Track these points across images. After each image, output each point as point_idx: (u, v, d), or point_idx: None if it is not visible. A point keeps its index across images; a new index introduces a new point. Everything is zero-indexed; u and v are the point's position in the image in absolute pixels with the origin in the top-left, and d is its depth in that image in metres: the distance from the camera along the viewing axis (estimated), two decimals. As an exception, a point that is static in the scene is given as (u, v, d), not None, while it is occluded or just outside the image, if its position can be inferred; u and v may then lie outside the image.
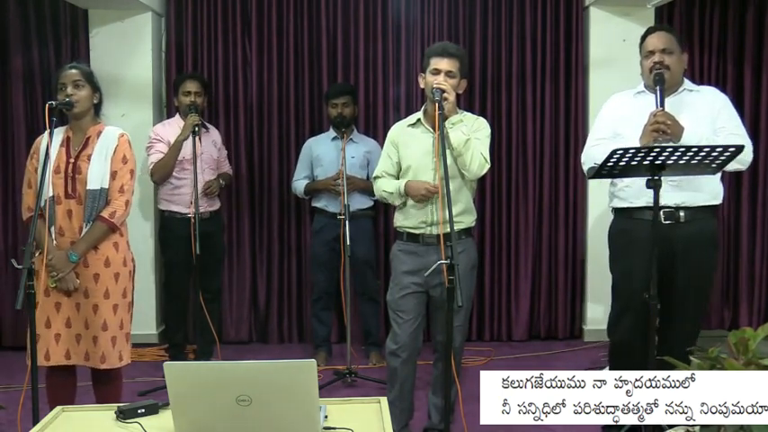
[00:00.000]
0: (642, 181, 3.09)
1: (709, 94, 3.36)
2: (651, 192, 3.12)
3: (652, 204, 3.15)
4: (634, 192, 3.24)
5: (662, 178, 3.05)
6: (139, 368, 4.51)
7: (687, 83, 3.35)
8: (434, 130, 3.14)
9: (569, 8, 5.32)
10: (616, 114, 3.37)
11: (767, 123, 5.31)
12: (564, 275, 5.43)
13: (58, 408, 2.27)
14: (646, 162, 2.76)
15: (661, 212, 3.15)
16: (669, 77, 3.20)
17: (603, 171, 2.86)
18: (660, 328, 3.29)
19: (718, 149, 2.73)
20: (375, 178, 3.48)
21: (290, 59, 5.30)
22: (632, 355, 3.32)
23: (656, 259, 2.98)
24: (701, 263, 3.23)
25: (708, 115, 3.22)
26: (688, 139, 3.06)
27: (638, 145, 3.12)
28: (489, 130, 3.36)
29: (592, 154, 3.34)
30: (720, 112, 3.25)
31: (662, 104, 3.10)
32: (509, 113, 5.36)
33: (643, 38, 3.34)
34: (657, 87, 3.13)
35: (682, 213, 3.18)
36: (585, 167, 3.41)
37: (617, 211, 3.41)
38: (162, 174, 4.46)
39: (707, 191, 3.20)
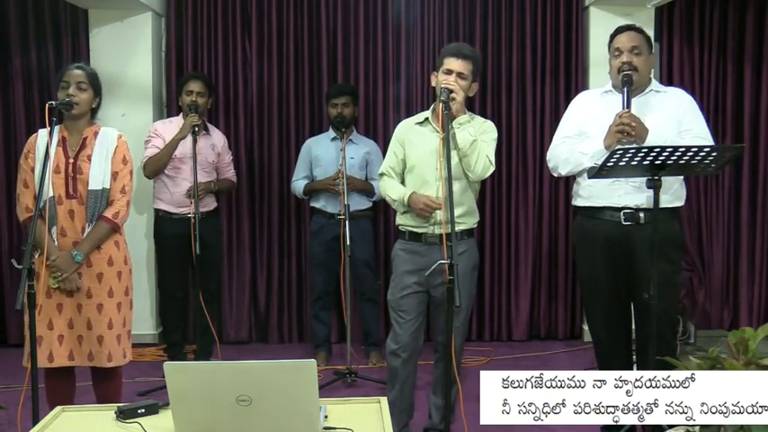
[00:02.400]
0: (605, 181, 3.12)
1: (675, 95, 3.35)
2: (611, 193, 3.20)
3: (611, 205, 3.21)
4: (596, 191, 3.25)
5: (623, 179, 3.07)
6: (139, 368, 4.51)
7: (654, 83, 3.35)
8: (444, 131, 3.15)
9: (569, 8, 5.33)
10: (583, 113, 3.37)
11: (767, 123, 5.31)
12: (564, 275, 5.43)
13: (58, 408, 2.27)
14: (646, 162, 2.76)
15: (621, 213, 3.19)
16: (637, 78, 3.20)
17: (604, 171, 2.86)
18: (636, 328, 3.32)
19: (719, 149, 2.73)
20: (380, 175, 3.48)
21: (290, 59, 5.30)
22: (612, 355, 3.37)
23: (621, 260, 3.04)
24: (663, 264, 3.19)
25: (673, 117, 3.22)
26: (653, 140, 3.07)
27: (601, 145, 3.16)
28: (496, 134, 3.37)
29: (557, 153, 3.36)
30: (686, 114, 3.24)
31: (628, 105, 3.11)
32: (509, 114, 5.36)
33: (612, 36, 3.33)
34: (624, 88, 3.13)
35: (641, 215, 3.18)
36: (550, 165, 3.43)
37: (578, 209, 3.41)
38: (154, 169, 4.46)
39: (669, 193, 3.18)
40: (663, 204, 3.12)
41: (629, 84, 3.14)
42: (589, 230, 3.31)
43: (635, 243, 3.17)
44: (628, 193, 3.17)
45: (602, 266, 3.26)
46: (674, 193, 3.23)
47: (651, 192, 2.87)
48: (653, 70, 3.42)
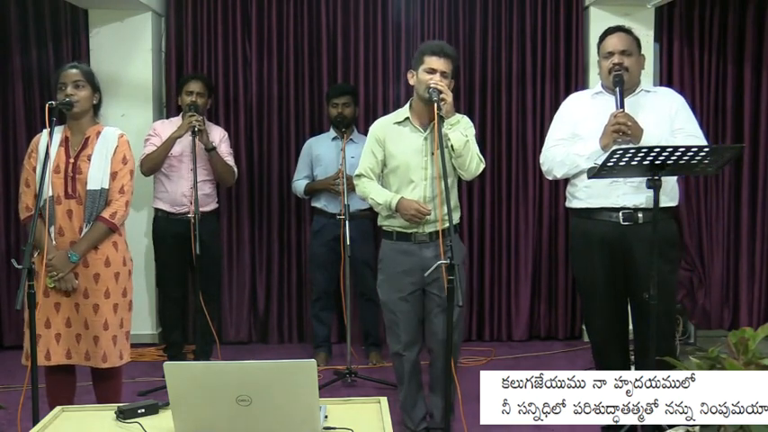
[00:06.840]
0: (603, 182, 3.13)
1: (666, 95, 3.37)
2: (609, 193, 3.20)
3: (609, 206, 3.21)
4: (593, 192, 3.24)
5: (621, 180, 3.09)
6: (139, 368, 4.51)
7: (644, 83, 3.37)
8: (426, 130, 3.19)
9: (569, 8, 5.33)
10: (574, 115, 3.37)
11: (767, 123, 5.31)
12: (564, 275, 5.43)
13: (58, 408, 2.27)
14: (646, 162, 2.77)
15: (620, 213, 3.19)
16: (628, 78, 3.21)
17: (604, 171, 2.86)
18: (634, 329, 3.32)
19: (718, 149, 2.74)
20: (358, 176, 3.38)
21: (290, 59, 5.30)
22: (610, 355, 3.36)
23: (620, 261, 3.05)
24: (661, 263, 3.20)
25: (666, 116, 3.24)
26: (647, 140, 3.08)
27: (596, 146, 3.17)
28: (474, 129, 3.35)
29: (551, 155, 3.35)
30: (678, 114, 3.25)
31: (622, 105, 3.12)
32: (509, 113, 5.36)
33: (602, 38, 3.35)
34: (617, 89, 3.15)
35: (640, 215, 3.19)
36: (545, 168, 3.41)
37: (574, 211, 3.39)
38: (150, 166, 4.45)
39: (665, 193, 3.18)
40: (659, 204, 3.13)
41: (620, 84, 3.16)
42: (587, 232, 3.31)
43: (633, 243, 3.18)
44: (626, 194, 3.17)
45: (600, 267, 3.26)
46: (669, 192, 3.24)
47: (650, 192, 2.88)
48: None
